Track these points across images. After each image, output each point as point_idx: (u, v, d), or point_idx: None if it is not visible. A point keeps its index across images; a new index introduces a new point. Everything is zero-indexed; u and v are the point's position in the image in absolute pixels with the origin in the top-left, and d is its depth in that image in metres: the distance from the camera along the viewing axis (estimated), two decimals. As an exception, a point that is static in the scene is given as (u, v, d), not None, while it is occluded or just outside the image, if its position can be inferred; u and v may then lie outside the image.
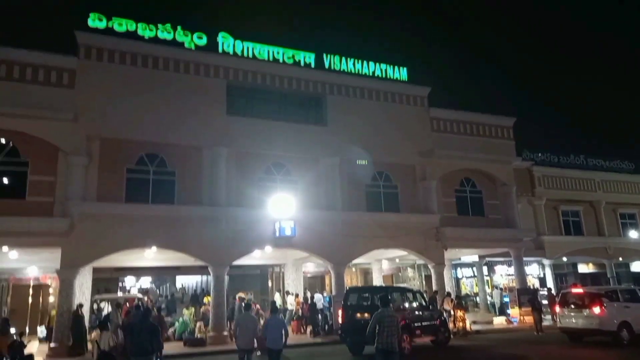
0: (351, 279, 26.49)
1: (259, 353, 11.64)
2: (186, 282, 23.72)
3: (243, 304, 14.18)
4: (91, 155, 16.20)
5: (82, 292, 16.96)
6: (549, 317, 20.44)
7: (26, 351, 10.72)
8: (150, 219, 16.07)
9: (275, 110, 19.85)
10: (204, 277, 22.55)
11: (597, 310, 13.74)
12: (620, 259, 27.99)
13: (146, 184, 16.98)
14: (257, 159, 18.80)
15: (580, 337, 14.44)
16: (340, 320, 14.04)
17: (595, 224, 28.19)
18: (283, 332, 9.34)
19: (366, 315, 13.28)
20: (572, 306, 14.75)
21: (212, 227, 16.78)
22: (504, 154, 23.74)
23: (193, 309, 17.87)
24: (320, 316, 18.75)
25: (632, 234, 27.74)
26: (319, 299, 19.83)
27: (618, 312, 13.74)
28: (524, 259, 23.52)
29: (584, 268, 28.39)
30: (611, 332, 13.45)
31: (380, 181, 21.14)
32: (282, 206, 17.49)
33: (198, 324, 16.99)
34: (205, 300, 18.80)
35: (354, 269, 27.03)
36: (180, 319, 17.55)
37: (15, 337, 11.14)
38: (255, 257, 19.32)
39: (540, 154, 27.43)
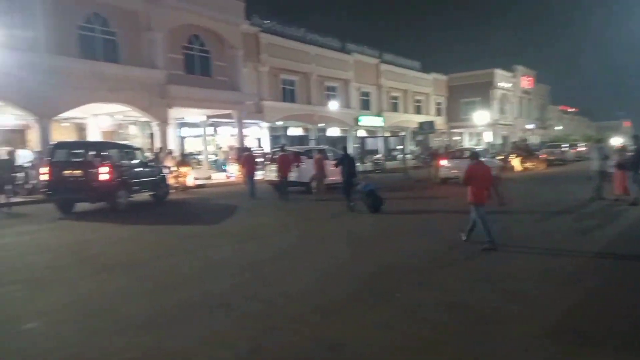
0: (61, 135, 23.55)
1: None
2: None
3: None
4: None
5: None
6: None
7: None
8: None
9: None
10: None
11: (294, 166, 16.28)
12: (320, 125, 33.13)
13: None
14: None
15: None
16: (45, 178, 12.49)
17: (307, 93, 32.09)
18: None
19: (77, 172, 12.25)
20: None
21: None
22: (234, 14, 23.67)
23: None
24: (22, 175, 16.31)
25: (332, 104, 32.80)
26: (25, 156, 17.10)
27: (311, 168, 16.43)
28: (245, 121, 25.28)
29: (293, 131, 32.56)
30: (304, 183, 16.20)
31: (96, 25, 18.38)
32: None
33: None
34: None
35: (65, 124, 23.99)
36: None
37: None
38: None
39: (268, 21, 28.50)
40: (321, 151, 16.60)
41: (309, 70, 31.80)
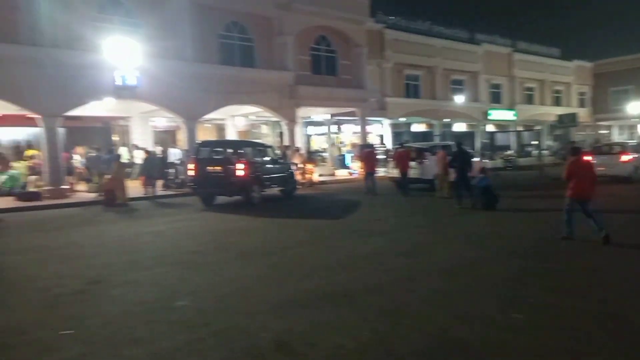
0: (204, 135, 26.09)
1: None
2: (11, 135, 20.83)
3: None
4: None
5: None
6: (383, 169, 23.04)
7: None
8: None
9: None
10: (34, 130, 20.05)
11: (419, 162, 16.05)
12: (445, 120, 31.98)
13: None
14: (86, -9, 16.05)
15: (407, 185, 16.71)
16: (191, 174, 14.02)
17: (431, 88, 31.25)
18: None
19: (218, 168, 13.49)
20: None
21: (36, 71, 14.51)
22: (359, 13, 23.95)
23: (26, 163, 16.21)
24: (173, 170, 18.50)
25: (458, 98, 31.46)
26: (176, 154, 19.37)
27: (434, 164, 15.97)
28: (368, 118, 25.49)
29: (417, 127, 31.96)
30: (428, 180, 15.83)
31: (234, 32, 19.98)
32: (123, 52, 15.60)
33: (33, 178, 15.61)
34: (28, 153, 17.03)
35: (207, 125, 26.53)
36: (8, 173, 15.82)
37: None
38: (97, 109, 17.62)
39: (392, 17, 28.33)
40: (445, 147, 16.08)
41: (434, 64, 30.93)
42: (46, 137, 15.28)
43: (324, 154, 27.53)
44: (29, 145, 18.63)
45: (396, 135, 29.95)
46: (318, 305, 4.98)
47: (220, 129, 26.53)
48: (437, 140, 28.35)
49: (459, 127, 34.11)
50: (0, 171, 15.76)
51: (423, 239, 8.49)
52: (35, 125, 15.73)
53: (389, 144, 27.96)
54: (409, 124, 31.14)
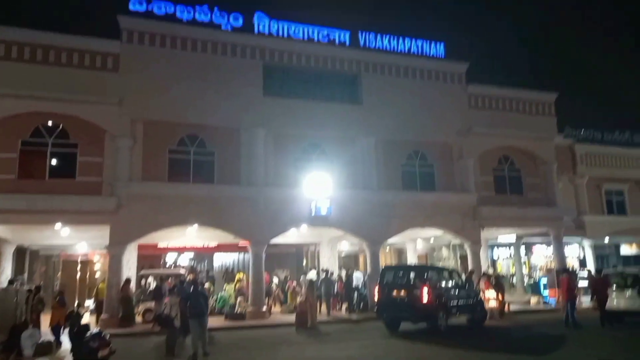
0: (385, 258, 26.61)
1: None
2: (223, 260, 24.34)
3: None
4: (135, 137, 16.86)
5: (129, 267, 17.75)
6: (587, 298, 20.03)
7: (82, 321, 11.45)
8: (191, 198, 16.70)
9: (311, 90, 19.90)
10: (241, 255, 23.12)
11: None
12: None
13: (187, 165, 17.65)
14: (294, 139, 19.04)
15: (621, 318, 14.18)
16: (376, 298, 14.29)
17: (641, 203, 27.17)
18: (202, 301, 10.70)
19: (402, 292, 13.50)
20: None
21: (250, 206, 17.26)
22: (545, 130, 23.12)
23: (234, 285, 18.55)
24: (355, 294, 19.08)
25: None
26: (358, 278, 20.08)
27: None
28: (564, 239, 23.04)
29: (627, 249, 27.52)
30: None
31: (416, 160, 21.02)
32: (318, 186, 17.68)
33: (238, 299, 17.65)
34: (238, 277, 19.39)
35: (388, 249, 27.11)
36: (220, 294, 18.26)
37: (71, 309, 11.88)
38: (292, 236, 19.70)
39: (582, 131, 26.47)
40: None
41: (641, 176, 27.16)
42: (252, 262, 17.52)
43: (512, 280, 25.30)
44: (236, 270, 21.42)
45: (600, 259, 26.18)
46: None
47: (401, 252, 26.85)
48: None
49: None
50: (212, 293, 18.24)
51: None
52: (242, 252, 18.20)
53: (592, 268, 24.47)
54: (617, 246, 27.06)
